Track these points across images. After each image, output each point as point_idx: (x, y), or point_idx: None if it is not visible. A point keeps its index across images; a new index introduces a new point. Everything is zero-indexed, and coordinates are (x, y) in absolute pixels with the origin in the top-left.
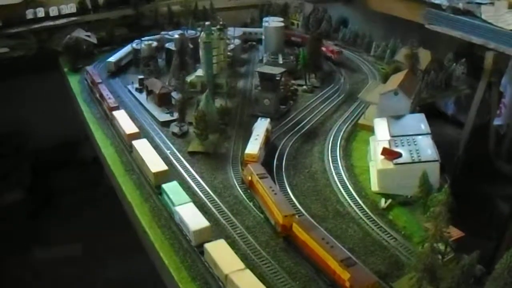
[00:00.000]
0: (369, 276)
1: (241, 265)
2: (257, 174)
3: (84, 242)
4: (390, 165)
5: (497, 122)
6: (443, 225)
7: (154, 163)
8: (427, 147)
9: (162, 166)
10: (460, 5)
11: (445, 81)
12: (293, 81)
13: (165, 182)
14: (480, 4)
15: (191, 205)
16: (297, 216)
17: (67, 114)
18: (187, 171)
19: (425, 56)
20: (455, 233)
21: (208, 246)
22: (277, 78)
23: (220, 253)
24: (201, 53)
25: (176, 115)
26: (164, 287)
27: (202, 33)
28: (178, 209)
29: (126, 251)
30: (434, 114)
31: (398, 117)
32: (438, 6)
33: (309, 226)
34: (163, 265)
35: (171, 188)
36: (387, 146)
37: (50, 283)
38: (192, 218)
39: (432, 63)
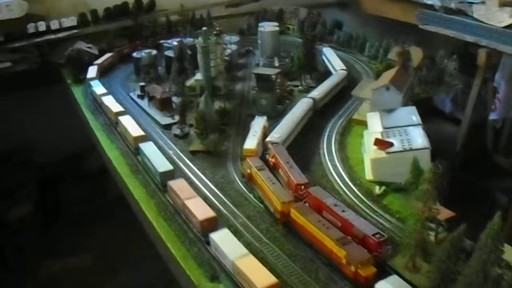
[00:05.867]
0: (364, 253)
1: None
2: (255, 167)
3: (94, 253)
4: (382, 154)
5: (492, 117)
6: (430, 201)
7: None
8: (418, 137)
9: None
10: (452, 5)
11: (437, 77)
12: (289, 82)
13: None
14: (471, 3)
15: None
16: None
17: (72, 126)
18: (190, 169)
19: (417, 54)
20: (445, 213)
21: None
22: (273, 79)
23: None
24: (199, 57)
25: (177, 118)
26: None
27: (200, 38)
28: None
29: (137, 260)
30: (431, 112)
31: (390, 111)
32: (431, 7)
33: (306, 210)
34: (171, 255)
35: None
36: (379, 137)
37: None
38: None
39: (424, 60)
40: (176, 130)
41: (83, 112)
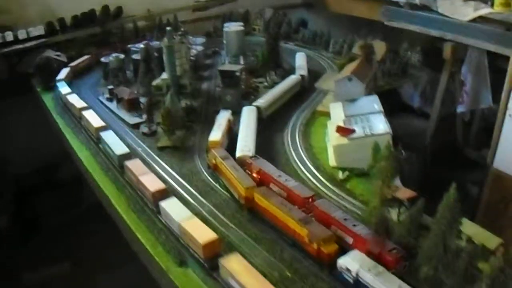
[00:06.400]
0: (325, 231)
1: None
2: (220, 157)
3: (73, 260)
4: (344, 140)
5: (460, 109)
6: (388, 179)
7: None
8: (379, 123)
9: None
10: (417, 1)
11: (401, 69)
12: (254, 79)
13: None
14: None
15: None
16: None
17: (44, 135)
18: (158, 163)
19: (380, 47)
20: (406, 193)
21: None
22: (237, 74)
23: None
24: (164, 57)
25: (144, 117)
26: None
27: (165, 38)
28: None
29: (116, 264)
30: (400, 108)
31: (353, 100)
32: (396, 3)
33: (269, 194)
34: (140, 244)
35: None
36: (341, 125)
37: None
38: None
39: (388, 53)
40: (144, 129)
41: (54, 118)
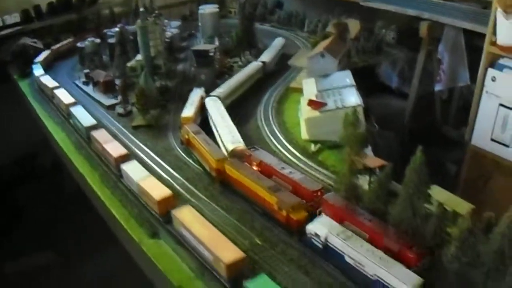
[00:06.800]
0: (293, 198)
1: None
2: (192, 131)
3: (56, 249)
4: (316, 113)
5: (438, 87)
6: (356, 145)
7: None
8: (351, 96)
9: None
10: None
11: (376, 46)
12: (229, 59)
13: None
14: None
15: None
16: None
17: (23, 125)
18: (132, 142)
19: (354, 25)
20: (376, 161)
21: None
22: (211, 54)
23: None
24: (138, 38)
25: (120, 99)
26: (138, 277)
27: (138, 20)
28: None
29: (97, 250)
30: (379, 88)
31: (325, 75)
32: None
33: (240, 165)
34: (114, 219)
35: None
36: (314, 99)
37: None
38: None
39: (362, 31)
40: (119, 109)
41: (31, 103)
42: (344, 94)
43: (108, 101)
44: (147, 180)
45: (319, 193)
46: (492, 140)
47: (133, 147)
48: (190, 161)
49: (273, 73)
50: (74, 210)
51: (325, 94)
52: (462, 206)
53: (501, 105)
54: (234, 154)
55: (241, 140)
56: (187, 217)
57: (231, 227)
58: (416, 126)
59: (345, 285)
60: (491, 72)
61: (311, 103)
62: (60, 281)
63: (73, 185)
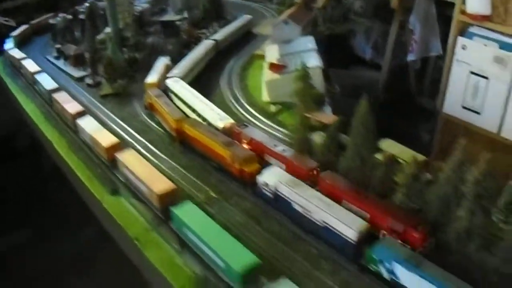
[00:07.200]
0: (246, 152)
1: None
2: (154, 95)
3: (34, 226)
4: (276, 76)
5: (410, 57)
6: (306, 99)
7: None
8: (311, 58)
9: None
10: None
11: (343, 15)
12: (198, 31)
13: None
14: None
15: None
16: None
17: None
18: (100, 109)
19: None
20: (329, 117)
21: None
22: (177, 24)
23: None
24: (106, 10)
25: (89, 71)
26: (111, 255)
27: None
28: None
29: (75, 226)
30: (352, 60)
31: (288, 41)
32: None
33: (197, 123)
34: (79, 180)
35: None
36: (275, 62)
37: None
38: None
39: (330, 0)
40: (88, 81)
41: (3, 79)
42: (305, 58)
43: (78, 73)
44: (99, 131)
45: (315, 172)
46: (464, 107)
47: (101, 115)
48: (153, 124)
49: (237, 45)
50: (52, 189)
51: (287, 58)
52: (415, 158)
53: (472, 72)
54: (225, 131)
55: (225, 115)
56: (129, 158)
57: (188, 182)
58: (389, 97)
59: (295, 233)
60: (461, 40)
61: (272, 66)
62: (36, 257)
63: (51, 165)
